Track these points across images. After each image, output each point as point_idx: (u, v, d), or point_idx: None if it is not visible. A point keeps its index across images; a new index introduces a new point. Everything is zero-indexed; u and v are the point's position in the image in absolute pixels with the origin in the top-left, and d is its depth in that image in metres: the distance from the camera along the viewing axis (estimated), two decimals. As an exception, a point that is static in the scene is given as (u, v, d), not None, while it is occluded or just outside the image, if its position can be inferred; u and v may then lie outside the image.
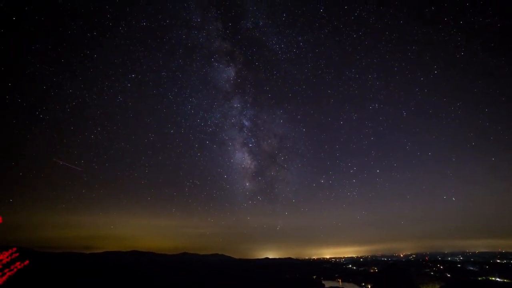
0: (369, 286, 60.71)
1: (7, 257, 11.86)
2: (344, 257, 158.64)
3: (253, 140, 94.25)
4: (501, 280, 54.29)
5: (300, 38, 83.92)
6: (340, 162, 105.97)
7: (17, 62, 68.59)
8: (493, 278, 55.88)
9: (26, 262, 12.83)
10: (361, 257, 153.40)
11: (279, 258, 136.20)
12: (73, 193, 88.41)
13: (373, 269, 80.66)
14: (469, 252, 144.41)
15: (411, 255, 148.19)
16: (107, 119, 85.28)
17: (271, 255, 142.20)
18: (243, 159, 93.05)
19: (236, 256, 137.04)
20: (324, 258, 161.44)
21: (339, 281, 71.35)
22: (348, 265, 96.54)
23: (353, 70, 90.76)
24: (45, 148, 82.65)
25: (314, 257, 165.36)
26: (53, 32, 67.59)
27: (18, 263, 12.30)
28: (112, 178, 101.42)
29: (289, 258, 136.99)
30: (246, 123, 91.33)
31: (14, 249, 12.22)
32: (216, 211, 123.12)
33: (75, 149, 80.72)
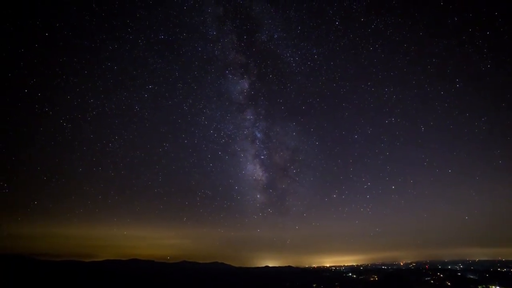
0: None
1: None
2: (344, 266, 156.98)
3: (265, 152, 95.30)
4: (501, 288, 54.28)
5: (315, 51, 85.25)
6: (353, 177, 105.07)
7: (47, 74, 72.70)
8: (493, 287, 55.76)
9: None
10: (361, 266, 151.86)
11: (279, 267, 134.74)
12: (90, 198, 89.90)
13: (373, 277, 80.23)
14: (469, 260, 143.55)
15: (411, 263, 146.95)
16: (124, 128, 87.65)
17: (271, 263, 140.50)
18: (254, 170, 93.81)
19: (236, 264, 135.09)
20: (324, 266, 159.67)
21: (339, 289, 70.89)
22: (348, 274, 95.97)
23: (369, 83, 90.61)
24: (67, 155, 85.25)
25: (314, 265, 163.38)
26: (79, 45, 71.64)
27: None
28: (128, 186, 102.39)
29: (289, 267, 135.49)
30: (259, 135, 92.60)
31: None
32: (226, 222, 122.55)
33: (94, 157, 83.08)
